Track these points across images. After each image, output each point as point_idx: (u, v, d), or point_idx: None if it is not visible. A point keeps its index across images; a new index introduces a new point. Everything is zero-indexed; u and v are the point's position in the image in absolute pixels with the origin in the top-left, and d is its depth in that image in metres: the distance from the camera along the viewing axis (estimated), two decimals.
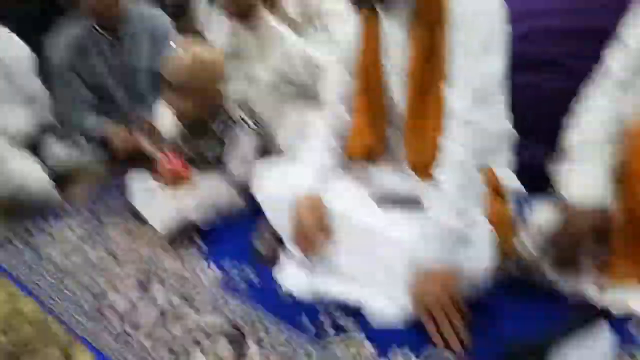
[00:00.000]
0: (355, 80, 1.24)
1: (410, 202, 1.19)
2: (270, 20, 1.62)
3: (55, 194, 1.88)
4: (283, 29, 1.63)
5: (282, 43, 1.62)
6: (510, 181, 1.24)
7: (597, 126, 1.08)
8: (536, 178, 1.24)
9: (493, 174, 1.19)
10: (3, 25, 2.21)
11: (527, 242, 1.11)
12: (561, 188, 1.10)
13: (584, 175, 1.06)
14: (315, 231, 1.15)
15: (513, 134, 1.25)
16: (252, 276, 1.29)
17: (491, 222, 1.10)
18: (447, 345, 0.97)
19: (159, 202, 1.56)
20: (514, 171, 1.27)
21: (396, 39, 1.14)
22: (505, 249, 1.17)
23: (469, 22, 1.04)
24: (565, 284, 1.06)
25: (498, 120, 1.08)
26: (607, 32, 1.13)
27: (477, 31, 1.03)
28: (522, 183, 1.28)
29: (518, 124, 1.26)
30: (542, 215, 1.12)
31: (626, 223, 1.02)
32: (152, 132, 1.60)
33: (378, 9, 1.14)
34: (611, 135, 1.07)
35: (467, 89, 1.04)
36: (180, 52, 1.49)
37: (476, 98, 1.04)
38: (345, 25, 1.26)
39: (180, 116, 1.56)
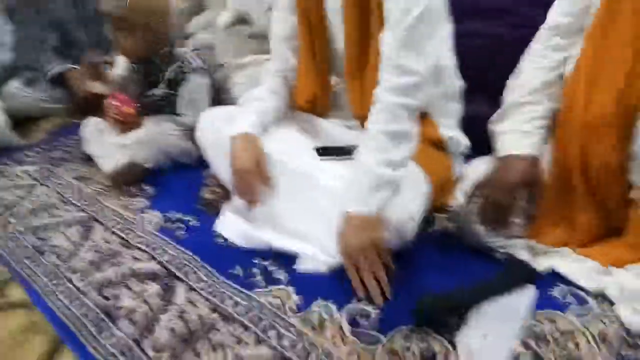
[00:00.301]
0: (298, 20, 1.19)
1: (350, 153, 1.18)
2: None
3: (11, 134, 1.86)
4: None
5: None
6: (454, 133, 1.22)
7: (533, 79, 1.05)
8: (483, 134, 1.22)
9: (432, 122, 1.17)
10: None
11: (461, 196, 1.10)
12: (496, 145, 1.08)
13: (517, 131, 1.04)
14: (250, 171, 1.13)
15: (460, 84, 1.22)
16: (193, 223, 1.29)
17: (427, 172, 1.10)
18: (369, 297, 0.98)
19: (108, 144, 1.54)
20: (461, 124, 1.26)
21: None
22: (440, 202, 1.17)
23: None
24: (493, 239, 1.06)
25: (429, 63, 1.03)
26: None
27: None
28: (470, 138, 1.27)
29: (468, 74, 1.23)
30: (478, 170, 1.11)
31: (555, 177, 1.02)
32: (97, 73, 1.55)
33: None
34: (548, 84, 1.04)
35: (398, 28, 0.99)
36: None
37: (404, 39, 0.99)
38: None
39: (125, 54, 1.51)
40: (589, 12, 0.99)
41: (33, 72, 2.05)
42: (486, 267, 1.03)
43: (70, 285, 1.11)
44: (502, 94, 1.14)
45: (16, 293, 1.12)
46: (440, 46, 1.10)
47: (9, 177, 1.63)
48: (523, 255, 1.03)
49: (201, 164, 1.51)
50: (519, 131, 1.05)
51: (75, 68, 1.97)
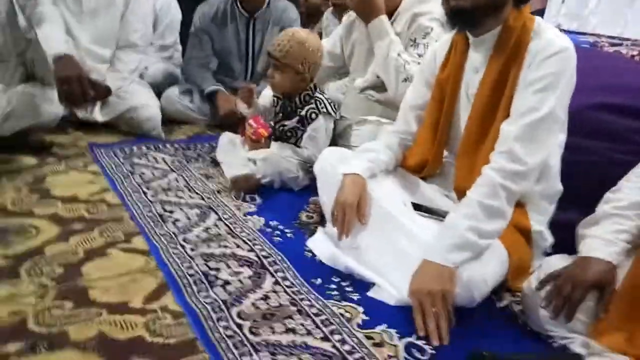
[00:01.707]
0: (431, 94, 1.39)
1: (443, 217, 1.32)
2: (386, 23, 1.80)
3: (160, 129, 2.22)
4: (395, 37, 1.80)
5: (388, 45, 1.78)
6: (543, 229, 1.32)
7: (630, 197, 1.14)
8: (568, 240, 1.30)
9: (525, 214, 1.29)
10: None
11: (534, 282, 1.18)
12: (580, 246, 1.17)
13: (602, 238, 1.13)
14: (351, 205, 1.30)
15: (560, 188, 1.33)
16: (289, 234, 1.48)
17: (508, 253, 1.20)
18: (427, 336, 1.08)
19: (236, 155, 1.82)
20: (551, 224, 1.35)
21: (476, 65, 1.28)
22: (514, 285, 1.26)
23: (542, 62, 1.16)
24: (555, 328, 1.12)
25: (538, 159, 1.17)
26: None
27: (544, 72, 1.15)
28: (556, 240, 1.35)
29: (570, 183, 1.34)
30: (555, 264, 1.19)
31: (628, 291, 1.07)
32: (250, 98, 1.85)
33: (469, 35, 1.29)
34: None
35: (520, 121, 1.16)
36: (285, 31, 1.75)
37: (523, 132, 1.15)
38: (437, 43, 1.43)
39: (274, 87, 1.81)
40: None
41: (192, 84, 2.46)
42: (540, 350, 1.10)
43: (183, 251, 1.34)
44: (594, 208, 1.23)
45: (140, 243, 1.37)
46: (552, 149, 1.24)
47: (149, 159, 1.96)
48: (579, 350, 1.08)
49: (304, 191, 1.74)
50: (604, 238, 1.14)
51: (223, 91, 2.35)
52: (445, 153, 1.46)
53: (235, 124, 2.14)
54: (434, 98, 1.38)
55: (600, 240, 1.14)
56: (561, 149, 1.30)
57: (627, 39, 2.08)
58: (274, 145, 1.82)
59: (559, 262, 1.21)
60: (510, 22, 1.21)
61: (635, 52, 1.70)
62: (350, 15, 2.02)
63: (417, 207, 1.37)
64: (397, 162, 1.49)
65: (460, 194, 1.32)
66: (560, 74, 1.16)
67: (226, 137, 1.95)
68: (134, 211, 1.52)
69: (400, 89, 1.74)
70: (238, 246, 1.38)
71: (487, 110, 1.24)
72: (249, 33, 2.46)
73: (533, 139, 1.16)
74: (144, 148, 2.06)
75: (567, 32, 2.71)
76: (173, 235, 1.41)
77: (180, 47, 2.82)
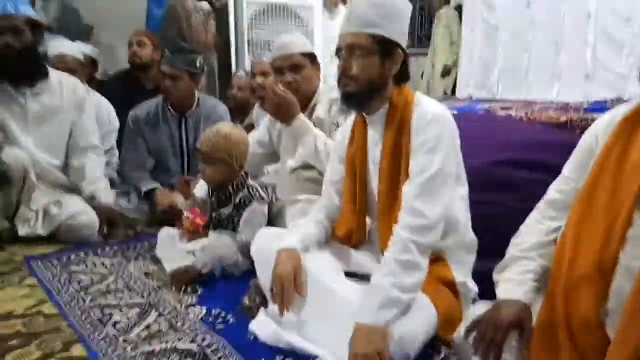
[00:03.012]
0: (344, 169, 1.53)
1: None
2: (306, 121, 1.95)
3: (96, 232, 2.23)
4: (316, 130, 1.95)
5: (314, 140, 1.92)
6: (466, 280, 1.43)
7: (530, 239, 1.28)
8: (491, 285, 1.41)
9: (447, 267, 1.39)
10: (107, 100, 2.83)
11: (462, 333, 1.26)
12: (496, 291, 1.27)
13: (512, 280, 1.24)
14: (288, 278, 1.36)
15: (474, 239, 1.46)
16: (232, 320, 1.51)
17: (436, 307, 1.29)
18: None
19: (175, 249, 1.86)
20: (475, 275, 1.47)
21: (375, 139, 1.45)
22: (446, 336, 1.33)
23: (423, 129, 1.34)
24: None
25: (438, 211, 1.30)
26: (559, 167, 1.37)
27: (426, 137, 1.32)
28: (481, 288, 1.46)
29: (484, 234, 1.48)
30: (480, 311, 1.28)
31: (544, 328, 1.17)
32: (187, 191, 1.93)
33: (364, 115, 1.47)
34: (542, 245, 1.26)
35: (416, 181, 1.31)
36: (210, 129, 1.88)
37: (421, 190, 1.29)
38: (345, 124, 1.60)
39: (206, 180, 1.90)
40: (577, 191, 1.25)
41: (128, 186, 2.51)
42: None
43: (123, 352, 1.33)
44: None
45: (79, 351, 1.35)
46: (453, 202, 1.38)
47: (87, 265, 1.95)
48: None
49: (245, 276, 1.78)
50: (514, 280, 1.25)
51: (160, 188, 2.42)
52: (369, 221, 1.58)
53: (174, 219, 2.18)
54: (347, 173, 1.52)
55: (511, 282, 1.24)
56: (465, 202, 1.44)
57: (518, 101, 2.37)
58: (212, 234, 1.88)
59: (482, 308, 1.30)
60: (394, 99, 1.40)
61: (522, 114, 1.95)
62: None
63: (351, 275, 1.46)
64: (328, 234, 1.58)
65: None
66: (440, 136, 1.33)
67: (165, 233, 1.99)
68: (72, 319, 1.51)
69: None
70: (180, 339, 1.39)
71: (392, 176, 1.39)
72: (182, 131, 2.59)
73: (430, 194, 1.30)
74: (82, 254, 2.05)
75: (473, 100, 3.04)
76: (113, 338, 1.40)
77: (117, 152, 2.90)
